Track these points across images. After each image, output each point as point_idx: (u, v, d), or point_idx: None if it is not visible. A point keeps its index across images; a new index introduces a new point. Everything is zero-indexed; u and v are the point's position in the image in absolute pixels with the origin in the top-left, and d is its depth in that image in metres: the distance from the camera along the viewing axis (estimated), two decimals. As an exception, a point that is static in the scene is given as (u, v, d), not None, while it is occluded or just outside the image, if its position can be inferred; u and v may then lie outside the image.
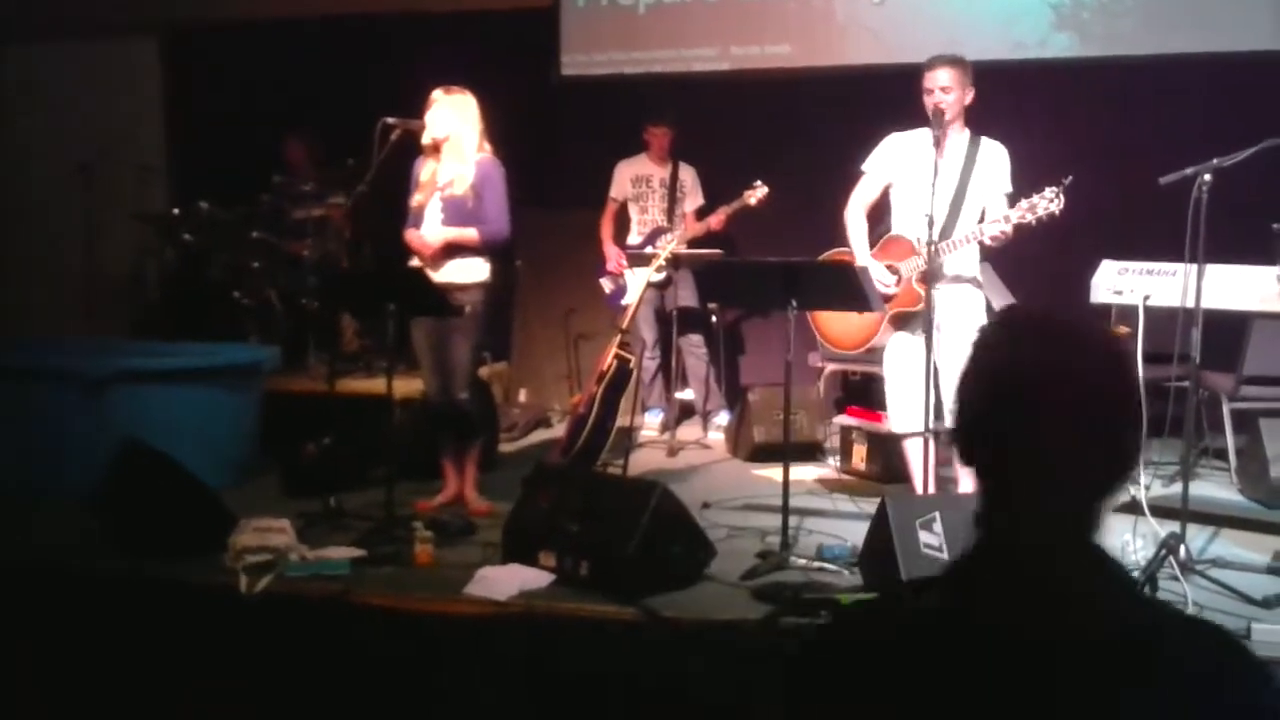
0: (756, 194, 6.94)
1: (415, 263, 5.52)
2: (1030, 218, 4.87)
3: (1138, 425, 1.48)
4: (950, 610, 1.44)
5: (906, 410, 5.17)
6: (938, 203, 4.95)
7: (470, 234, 5.47)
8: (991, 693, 1.37)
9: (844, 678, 1.46)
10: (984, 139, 5.19)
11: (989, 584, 1.44)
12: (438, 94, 5.49)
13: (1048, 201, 4.83)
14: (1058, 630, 1.38)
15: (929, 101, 5.08)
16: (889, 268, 5.25)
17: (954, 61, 5.13)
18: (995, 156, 5.16)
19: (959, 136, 5.17)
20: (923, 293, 5.08)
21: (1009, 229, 4.91)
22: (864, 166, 5.39)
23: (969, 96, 5.13)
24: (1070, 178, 4.85)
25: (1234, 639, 1.47)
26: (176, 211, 8.14)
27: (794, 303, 4.80)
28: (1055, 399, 1.43)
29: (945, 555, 4.02)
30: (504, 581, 4.38)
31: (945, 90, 5.05)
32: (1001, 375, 1.48)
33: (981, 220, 5.13)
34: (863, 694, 1.44)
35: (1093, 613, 1.40)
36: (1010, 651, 1.38)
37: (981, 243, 5.00)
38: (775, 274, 4.94)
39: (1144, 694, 1.36)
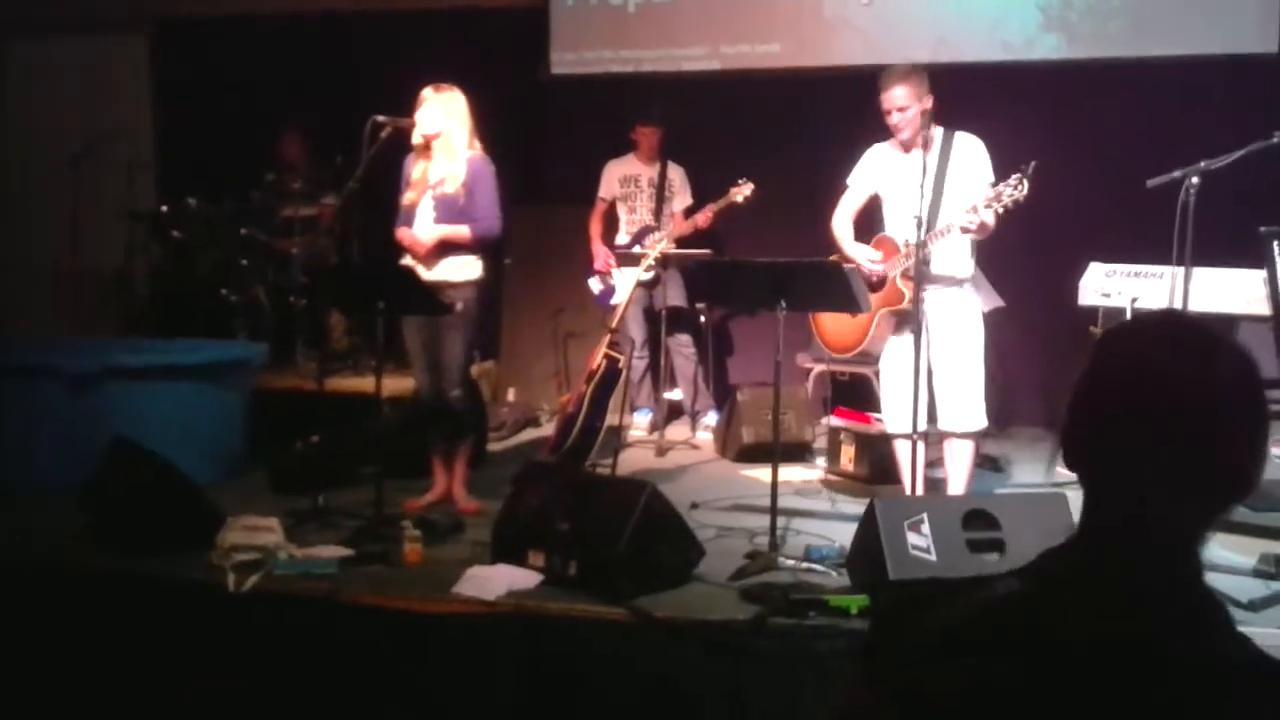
0: (743, 191, 6.95)
1: (407, 260, 5.52)
2: (997, 205, 4.87)
3: (1264, 442, 1.40)
4: (1022, 602, 1.40)
5: (899, 411, 5.18)
6: (918, 204, 4.96)
7: (463, 231, 5.47)
8: (1044, 693, 1.33)
9: (918, 656, 1.42)
10: (958, 133, 5.19)
11: (1075, 585, 1.39)
12: (427, 92, 5.48)
13: (1012, 189, 4.83)
14: (1125, 642, 1.33)
15: (888, 121, 5.11)
16: (883, 259, 5.28)
17: (905, 76, 5.13)
18: (970, 149, 5.16)
19: (933, 136, 5.18)
20: (907, 292, 5.10)
21: (977, 218, 4.91)
22: (848, 179, 5.42)
23: (928, 103, 5.12)
24: (1034, 163, 4.84)
25: None
26: (165, 208, 8.12)
27: (783, 303, 4.81)
28: (1183, 407, 1.37)
29: (933, 557, 4.03)
30: (493, 581, 4.38)
31: (901, 110, 5.09)
32: (1129, 377, 1.41)
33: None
34: (930, 676, 1.40)
35: (1172, 633, 1.34)
36: (1072, 654, 1.33)
37: (965, 230, 4.99)
38: (764, 274, 4.95)
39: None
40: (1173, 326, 1.47)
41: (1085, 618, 1.35)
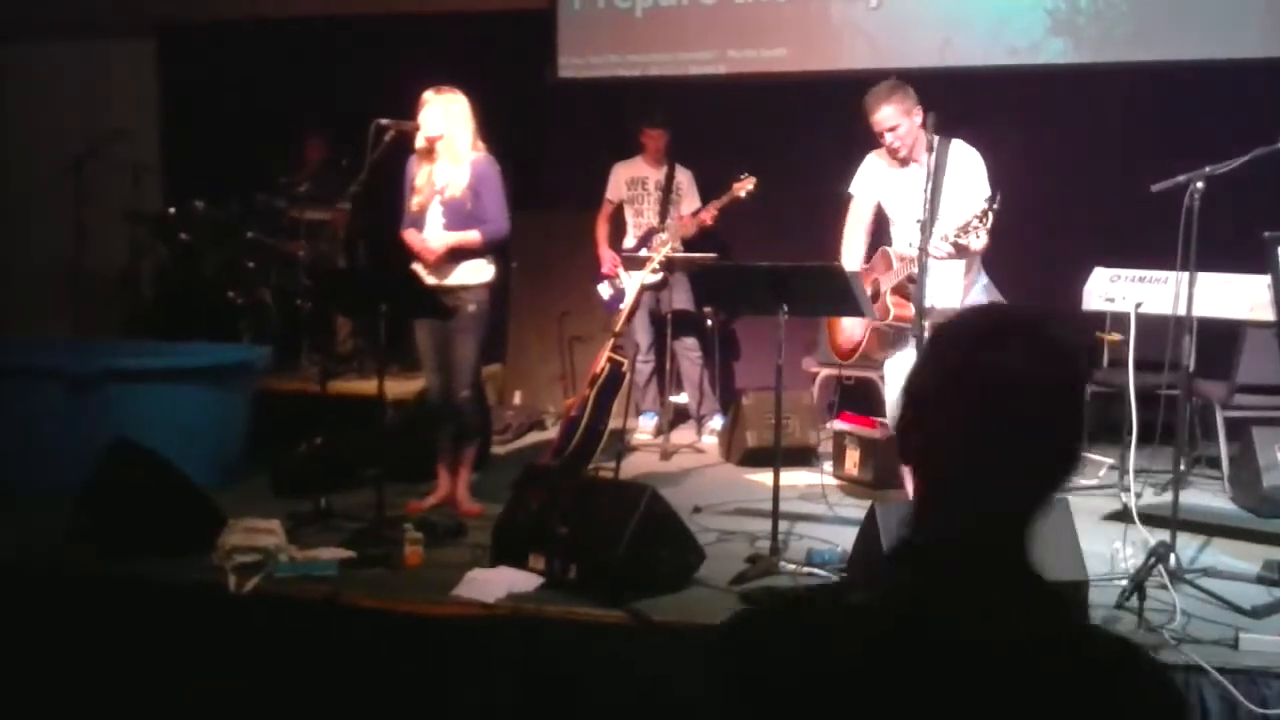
0: (746, 185, 6.93)
1: (417, 264, 5.51)
2: (963, 237, 4.85)
3: (1083, 429, 1.46)
4: (875, 607, 1.42)
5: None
6: (917, 214, 4.92)
7: (473, 236, 5.47)
8: (911, 692, 1.35)
9: (768, 673, 1.43)
10: (954, 141, 5.16)
11: (919, 584, 1.41)
12: (429, 95, 5.48)
13: (978, 220, 4.80)
14: (981, 632, 1.36)
15: (883, 142, 5.10)
16: (871, 282, 5.26)
17: (889, 95, 5.12)
18: (965, 160, 5.13)
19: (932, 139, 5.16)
20: (893, 308, 5.08)
21: (948, 247, 4.89)
22: (850, 189, 5.40)
23: (918, 115, 5.11)
24: (998, 195, 4.81)
25: (1140, 650, 1.46)
26: (172, 210, 8.13)
27: (785, 307, 4.79)
28: (1007, 400, 1.40)
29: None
30: (493, 583, 4.38)
31: (893, 130, 5.09)
32: (953, 373, 1.44)
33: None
34: (784, 691, 1.41)
35: (1019, 617, 1.38)
36: (933, 651, 1.36)
37: (938, 258, 4.96)
38: (765, 278, 4.94)
39: (1061, 701, 1.34)
40: (998, 320, 1.49)
41: (943, 615, 1.37)
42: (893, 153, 5.07)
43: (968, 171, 5.09)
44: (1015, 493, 1.42)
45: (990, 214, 4.78)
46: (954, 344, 1.47)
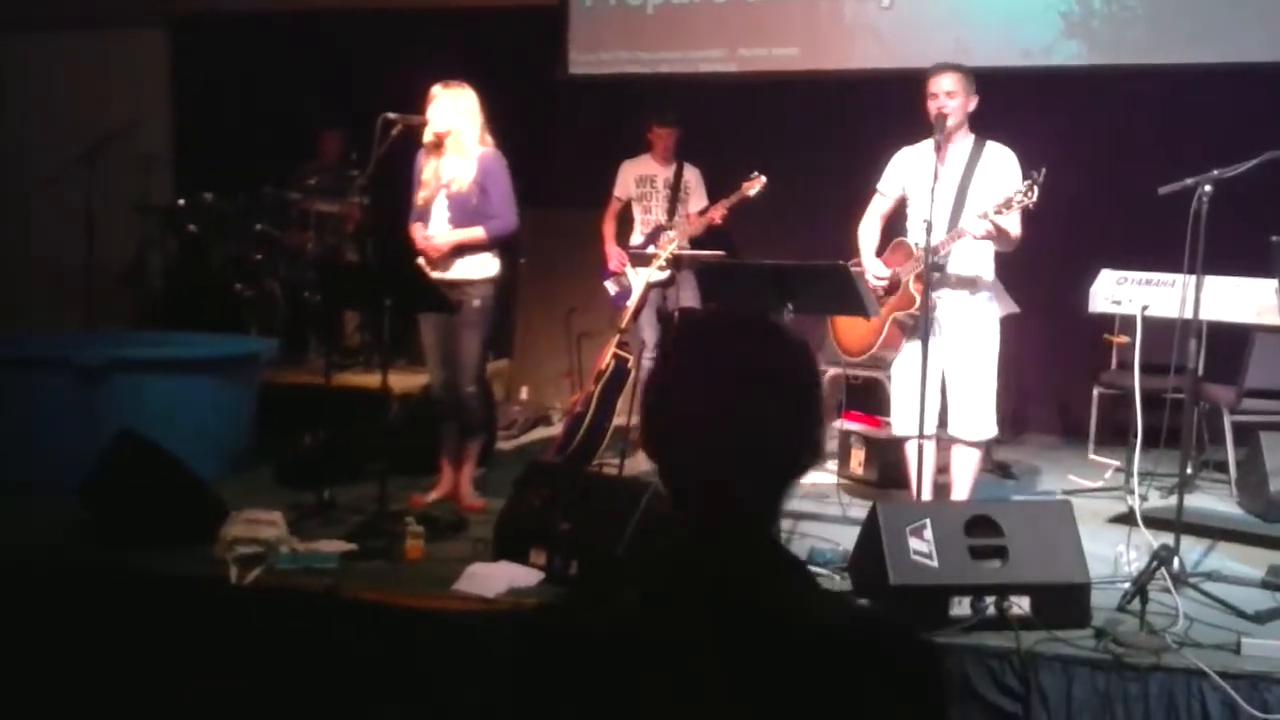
0: (755, 185, 6.91)
1: (422, 259, 5.51)
2: (1006, 211, 4.86)
3: (818, 418, 1.55)
4: (638, 607, 1.48)
5: (908, 414, 5.14)
6: (939, 207, 4.93)
7: (478, 233, 5.47)
8: (674, 691, 1.41)
9: (544, 674, 1.52)
10: (989, 142, 5.17)
11: (675, 580, 1.48)
12: (437, 89, 5.48)
13: (1022, 194, 4.81)
14: (740, 625, 1.42)
15: (932, 107, 5.06)
16: (891, 273, 5.25)
17: (958, 68, 5.13)
18: (1000, 159, 5.13)
19: (963, 142, 5.15)
20: (918, 296, 5.06)
21: (989, 225, 4.88)
22: (878, 185, 5.38)
23: (972, 103, 5.11)
24: (1044, 169, 4.83)
25: (910, 632, 1.51)
26: (181, 202, 8.15)
27: (790, 306, 4.78)
28: (745, 395, 1.48)
29: (935, 562, 4.00)
30: (493, 579, 4.38)
31: (950, 95, 5.04)
32: (680, 376, 1.53)
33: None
34: (557, 691, 1.49)
35: (774, 605, 1.45)
36: (691, 649, 1.42)
37: (977, 237, 4.96)
38: (770, 276, 4.93)
39: (831, 686, 1.40)
40: (735, 320, 1.57)
41: (705, 613, 1.44)
42: (940, 119, 5.02)
43: (1002, 167, 5.07)
44: (753, 484, 1.50)
45: (1035, 188, 4.77)
46: (690, 342, 1.57)
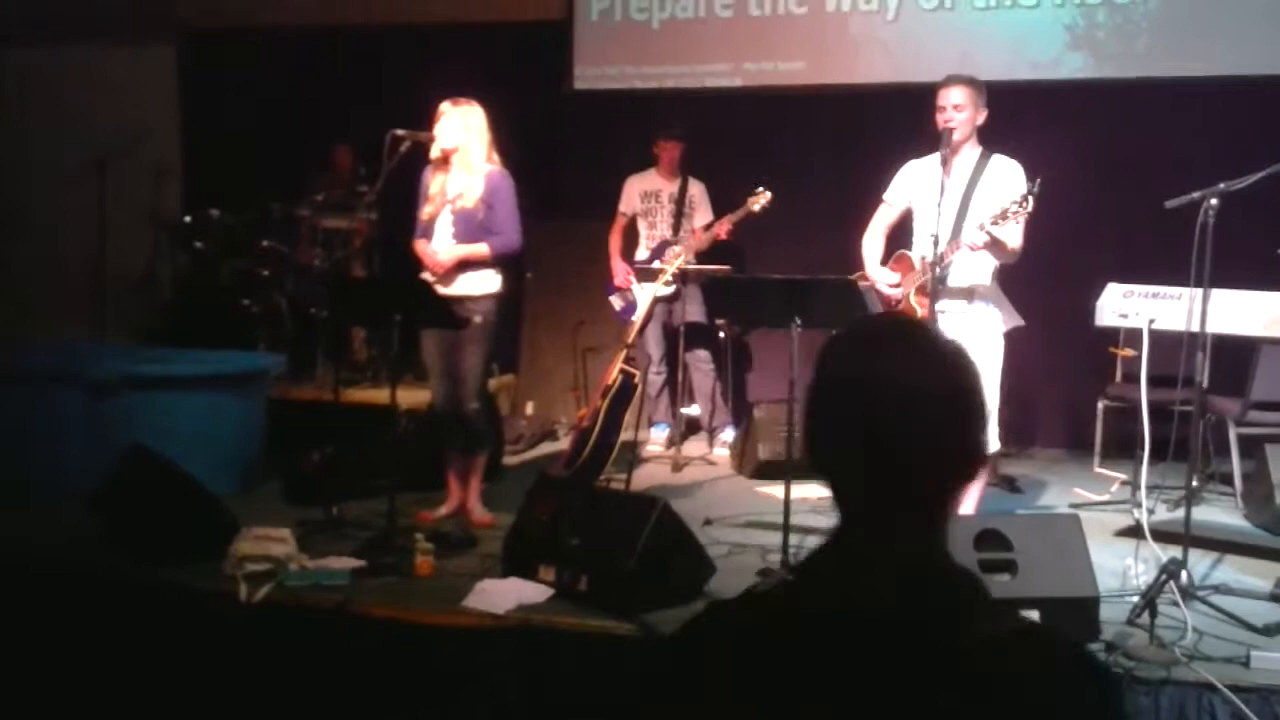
0: (760, 200, 6.94)
1: (426, 274, 5.53)
2: (1001, 223, 4.86)
3: (981, 429, 1.52)
4: (800, 610, 1.47)
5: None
6: (943, 220, 4.94)
7: (481, 249, 5.48)
8: (837, 691, 1.40)
9: (696, 677, 1.49)
10: (995, 155, 5.17)
11: (839, 585, 1.48)
12: (445, 106, 5.50)
13: (1018, 205, 4.82)
14: (901, 632, 1.41)
15: (940, 119, 5.07)
16: (899, 280, 5.27)
17: (968, 81, 5.14)
18: (1006, 171, 5.12)
19: (969, 154, 5.16)
20: (919, 308, 5.08)
21: (985, 235, 4.89)
22: (885, 195, 5.40)
23: (981, 116, 5.12)
24: (1039, 180, 4.84)
25: (1078, 650, 1.49)
26: (188, 219, 8.17)
27: (798, 320, 4.80)
28: (898, 407, 1.46)
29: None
30: (503, 594, 4.38)
31: (957, 108, 5.05)
32: (845, 383, 1.51)
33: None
34: (716, 692, 1.46)
35: (938, 616, 1.43)
36: (857, 651, 1.41)
37: (973, 248, 4.96)
38: (779, 291, 4.94)
39: (982, 701, 1.38)
40: (894, 331, 1.57)
41: (868, 618, 1.43)
42: (946, 133, 5.03)
43: (1007, 179, 5.07)
44: (917, 496, 1.48)
45: (1030, 199, 4.78)
46: (840, 355, 1.55)
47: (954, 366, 1.50)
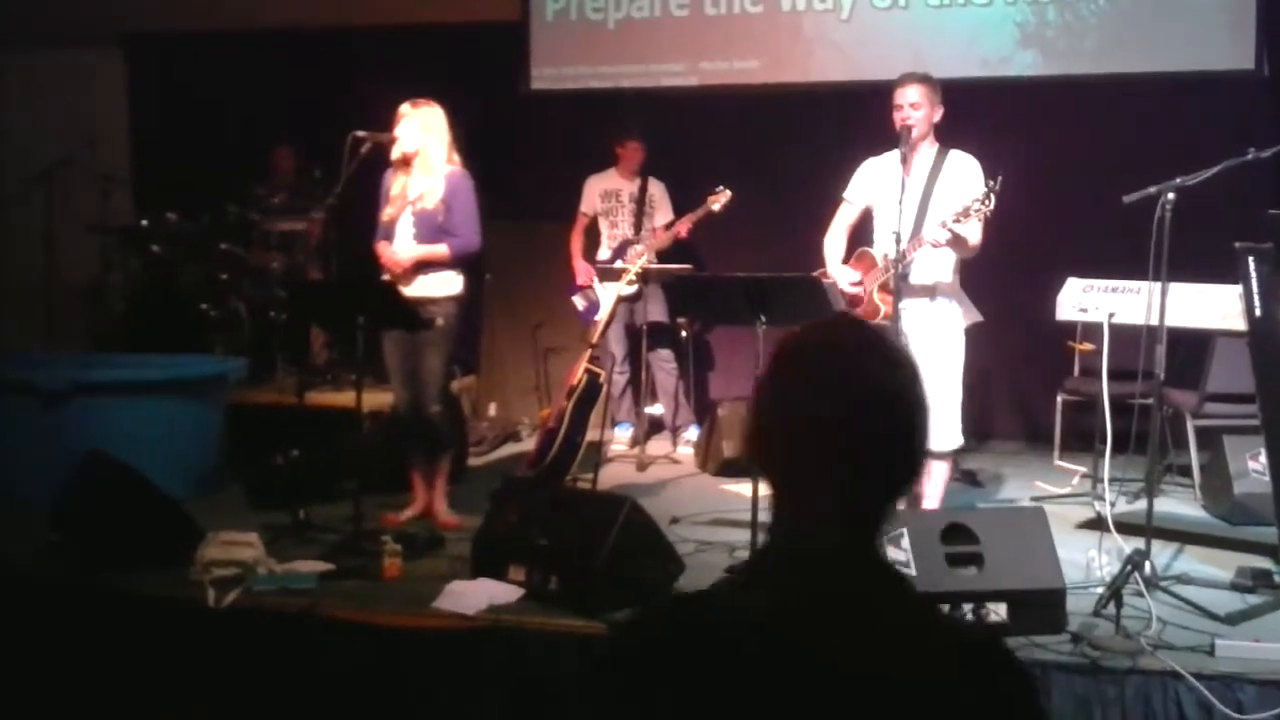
0: (720, 199, 6.96)
1: (386, 276, 5.51)
2: (964, 220, 4.91)
3: (922, 434, 1.55)
4: (734, 613, 1.49)
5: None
6: (904, 218, 4.98)
7: (441, 250, 5.47)
8: (769, 698, 1.42)
9: (639, 679, 1.50)
10: (953, 151, 5.22)
11: (774, 588, 1.50)
12: (405, 108, 5.49)
13: (979, 203, 4.87)
14: (835, 634, 1.44)
15: (898, 118, 5.12)
16: (861, 277, 5.30)
17: (923, 79, 5.18)
18: (963, 167, 5.17)
19: (927, 151, 5.21)
20: (883, 305, 5.12)
21: (946, 233, 4.94)
22: (844, 194, 5.43)
23: (938, 114, 5.17)
24: (1000, 177, 4.90)
25: (1004, 649, 1.53)
26: (144, 223, 8.10)
27: (762, 317, 4.82)
28: (838, 411, 1.49)
29: (912, 571, 4.04)
30: (472, 595, 4.38)
31: (914, 106, 5.09)
32: (806, 385, 1.53)
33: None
34: (649, 696, 1.47)
35: (870, 617, 1.46)
36: (787, 656, 1.43)
37: (935, 245, 5.01)
38: (741, 288, 4.97)
39: (920, 700, 1.41)
40: (846, 333, 1.60)
41: (803, 621, 1.45)
42: (904, 130, 5.07)
43: (965, 175, 5.12)
44: (854, 498, 1.51)
45: (991, 197, 4.83)
46: (789, 357, 1.57)
47: (910, 371, 1.54)
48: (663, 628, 1.55)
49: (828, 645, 1.43)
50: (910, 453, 1.54)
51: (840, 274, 5.33)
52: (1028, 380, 7.66)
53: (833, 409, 1.49)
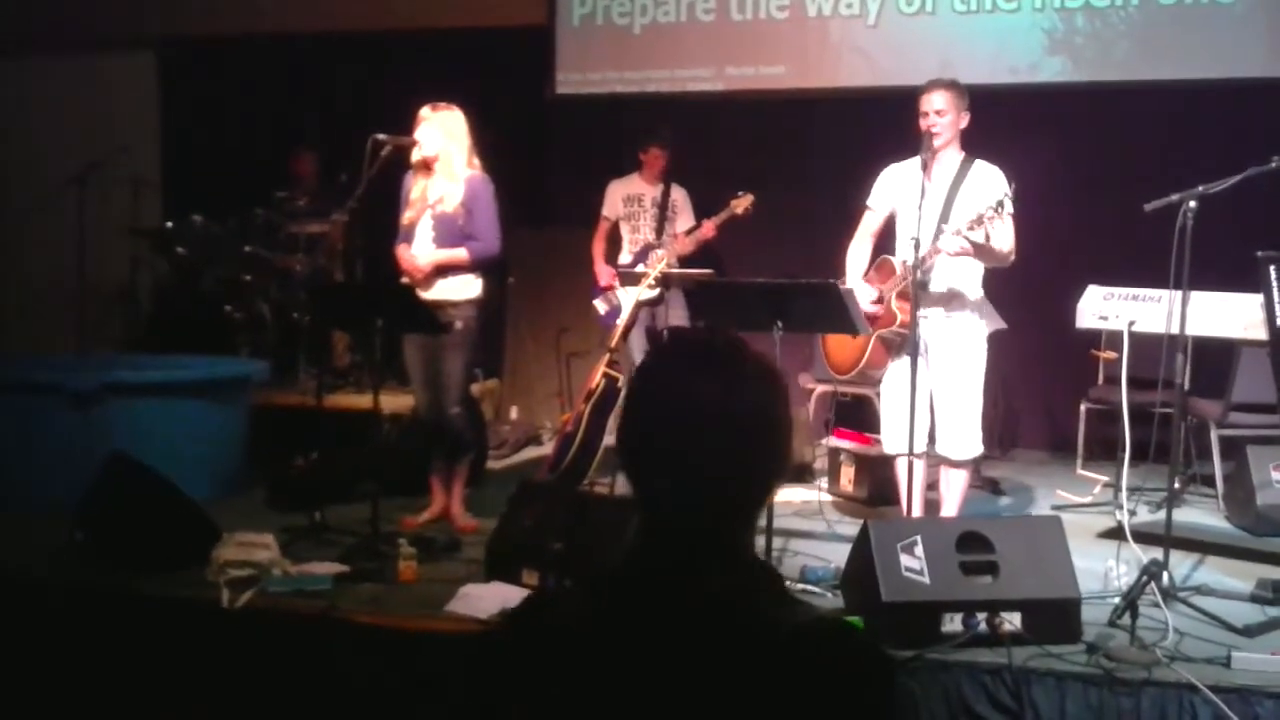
0: (744, 203, 6.94)
1: (406, 279, 5.53)
2: (976, 228, 4.88)
3: (785, 444, 1.61)
4: (594, 616, 1.55)
5: (897, 431, 5.16)
6: (924, 224, 4.96)
7: (460, 254, 5.48)
8: (625, 699, 1.47)
9: (481, 682, 1.57)
10: (978, 161, 5.18)
11: (633, 592, 1.55)
12: (426, 111, 5.50)
13: (991, 210, 4.84)
14: (689, 635, 1.49)
15: (923, 124, 5.09)
16: (879, 293, 5.27)
17: (950, 85, 5.15)
18: (987, 177, 5.13)
19: (952, 158, 5.17)
20: (900, 314, 5.09)
21: (965, 243, 4.91)
22: (868, 201, 5.40)
23: (964, 120, 5.14)
24: (1015, 186, 4.86)
25: (864, 638, 1.58)
26: (170, 225, 8.15)
27: (779, 324, 4.80)
28: (706, 427, 1.54)
29: (926, 579, 4.01)
30: (486, 600, 4.37)
31: (939, 113, 5.06)
32: (630, 403, 1.61)
33: (986, 240, 5.06)
34: (506, 697, 1.53)
35: (727, 617, 1.51)
36: (644, 657, 1.48)
37: (951, 254, 4.98)
38: (761, 294, 4.95)
39: (775, 695, 1.45)
40: (701, 352, 1.62)
41: (660, 624, 1.51)
42: (928, 137, 5.04)
43: (988, 185, 5.07)
44: (714, 504, 1.56)
45: (1005, 203, 4.80)
46: (653, 371, 1.63)
47: (759, 387, 1.58)
48: (505, 633, 1.63)
49: (657, 651, 1.48)
50: (750, 470, 1.57)
51: (860, 291, 5.26)
52: (1053, 388, 7.61)
53: (660, 428, 1.56)
